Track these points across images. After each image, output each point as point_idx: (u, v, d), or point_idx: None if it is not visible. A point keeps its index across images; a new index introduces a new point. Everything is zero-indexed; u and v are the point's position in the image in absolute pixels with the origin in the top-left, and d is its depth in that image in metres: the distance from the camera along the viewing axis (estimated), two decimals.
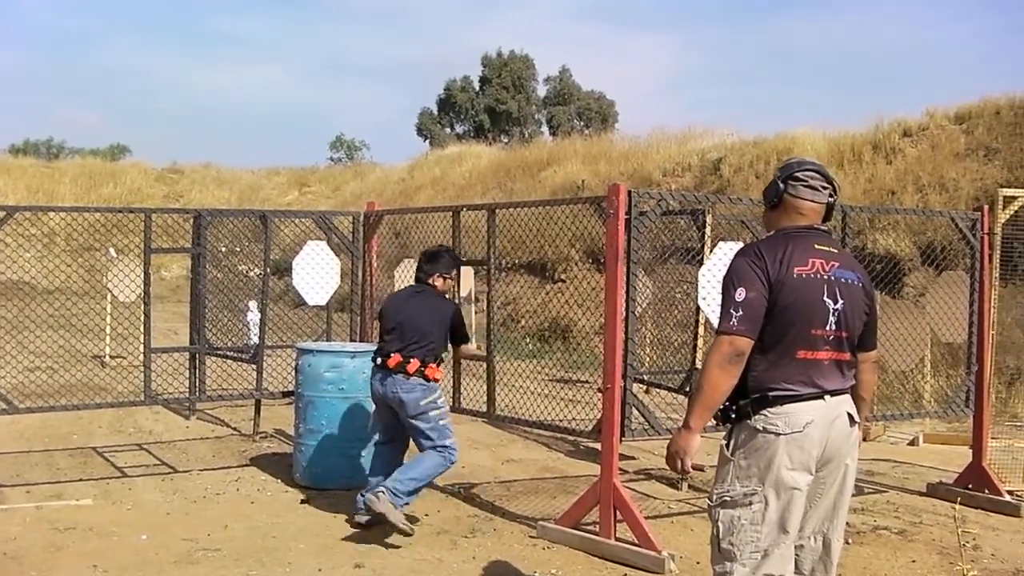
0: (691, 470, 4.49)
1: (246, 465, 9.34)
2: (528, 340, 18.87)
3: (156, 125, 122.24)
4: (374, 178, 36.84)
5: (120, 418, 11.62)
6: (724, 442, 4.32)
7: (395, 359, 7.12)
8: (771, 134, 22.61)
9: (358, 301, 9.98)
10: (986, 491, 8.45)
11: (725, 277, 4.28)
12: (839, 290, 4.25)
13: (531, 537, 7.17)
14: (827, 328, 4.21)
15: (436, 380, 7.20)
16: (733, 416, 4.26)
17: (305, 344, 9.05)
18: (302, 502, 8.09)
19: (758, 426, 4.16)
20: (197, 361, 9.89)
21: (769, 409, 4.16)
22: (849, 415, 4.28)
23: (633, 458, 10.09)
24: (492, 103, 59.10)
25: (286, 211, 12.15)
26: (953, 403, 8.73)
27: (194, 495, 8.23)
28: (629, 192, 6.80)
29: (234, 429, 11.13)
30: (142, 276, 9.68)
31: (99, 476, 8.84)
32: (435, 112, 61.87)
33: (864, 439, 11.08)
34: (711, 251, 8.51)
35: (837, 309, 4.23)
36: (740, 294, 4.14)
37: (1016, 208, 8.71)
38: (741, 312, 4.12)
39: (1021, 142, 17.60)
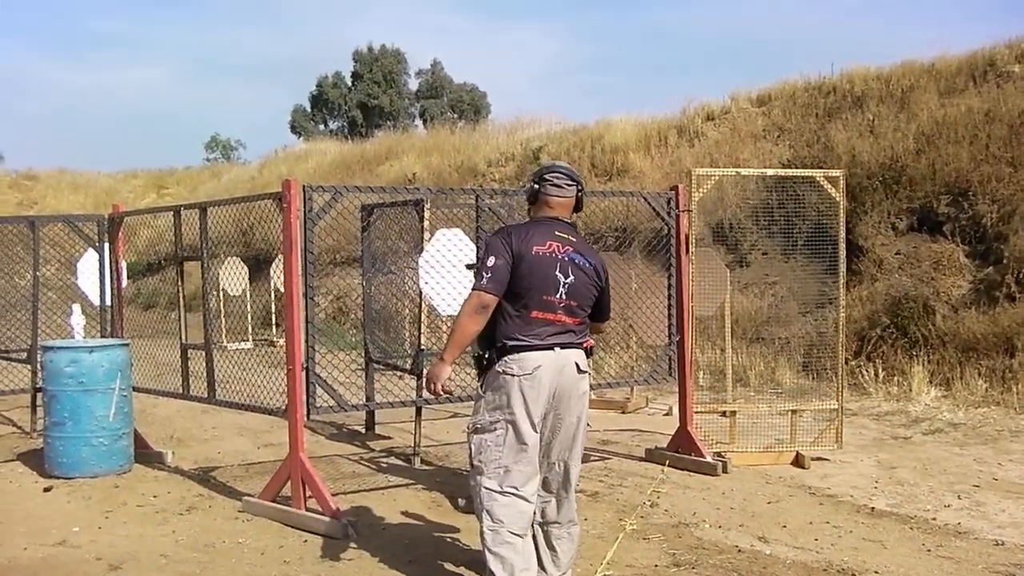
0: (443, 393, 5.39)
1: (11, 460, 9.60)
2: (354, 331, 19.29)
3: (28, 130, 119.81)
4: (228, 178, 36.93)
5: None
6: (479, 384, 5.46)
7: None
8: (591, 122, 23.37)
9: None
10: (691, 454, 9.08)
11: (482, 250, 5.56)
12: (570, 269, 5.38)
13: (239, 512, 7.64)
14: (557, 296, 5.35)
15: None
16: (484, 364, 5.36)
17: (48, 342, 9.41)
18: (45, 490, 8.42)
19: (499, 369, 5.27)
20: None
21: (508, 356, 5.27)
22: (577, 364, 5.41)
23: (388, 437, 10.64)
24: (364, 98, 59.31)
25: (43, 216, 12.44)
26: (656, 371, 9.34)
27: None
28: (304, 187, 7.31)
29: (18, 427, 11.41)
30: None
31: None
32: (308, 109, 61.85)
33: (623, 412, 11.82)
34: (430, 239, 9.05)
35: (567, 283, 5.36)
36: (491, 261, 5.23)
37: (710, 186, 9.32)
38: (490, 275, 5.22)
39: (811, 122, 18.47)
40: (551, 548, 5.57)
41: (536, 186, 5.58)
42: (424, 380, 5.61)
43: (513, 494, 5.25)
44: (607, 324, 5.88)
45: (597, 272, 5.51)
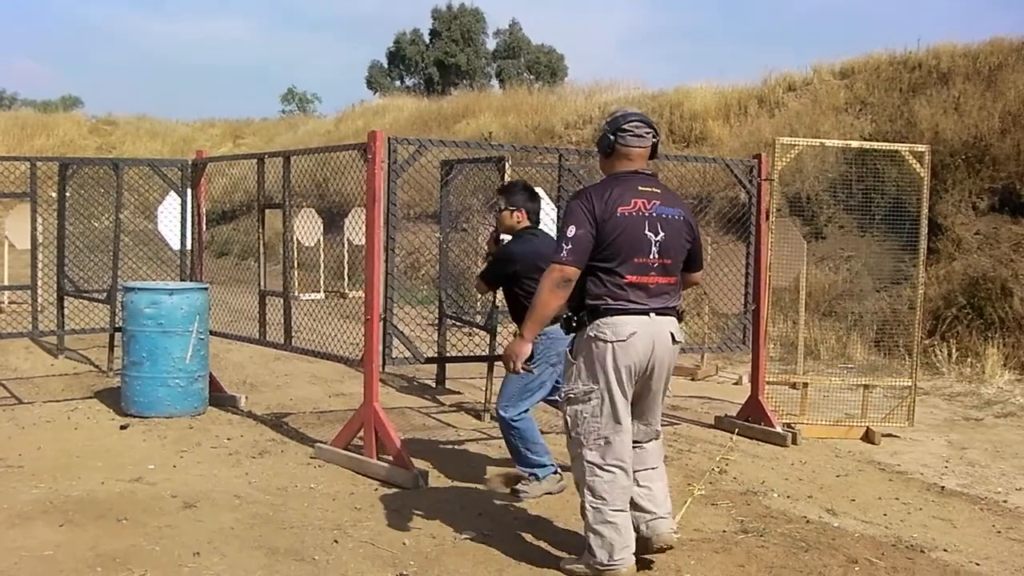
0: (521, 371, 5.33)
1: (89, 397, 9.80)
2: (425, 287, 19.40)
3: (110, 77, 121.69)
4: (304, 130, 37.13)
5: None
6: (568, 349, 5.31)
7: None
8: (671, 88, 23.25)
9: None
10: (761, 423, 9.05)
11: (561, 217, 5.23)
12: (660, 224, 5.13)
13: (311, 458, 7.75)
14: (651, 257, 5.11)
15: None
16: (574, 326, 5.19)
17: (129, 283, 9.56)
18: (121, 428, 8.60)
19: (591, 334, 5.09)
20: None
21: (600, 320, 5.07)
22: (672, 334, 5.21)
23: (458, 392, 10.71)
24: (441, 56, 59.23)
25: (127, 159, 12.61)
26: (730, 339, 9.31)
27: (26, 423, 8.70)
28: (388, 139, 7.34)
29: (95, 366, 11.62)
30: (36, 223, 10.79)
31: None
32: (385, 65, 61.93)
33: (692, 379, 11.78)
34: None
35: (658, 240, 5.13)
36: (571, 231, 5.01)
37: (793, 155, 9.23)
38: (571, 246, 5.00)
39: (895, 97, 18.21)
40: (643, 487, 5.38)
41: (612, 137, 5.25)
42: (503, 357, 5.37)
43: (616, 467, 5.13)
44: (700, 275, 5.67)
45: (687, 222, 5.30)
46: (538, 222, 7.12)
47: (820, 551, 5.98)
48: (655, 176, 5.32)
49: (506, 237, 7.21)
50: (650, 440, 5.45)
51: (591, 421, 5.13)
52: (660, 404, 5.43)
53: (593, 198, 5.10)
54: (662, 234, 5.13)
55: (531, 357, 6.50)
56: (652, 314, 5.11)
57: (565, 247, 5.01)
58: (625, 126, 5.23)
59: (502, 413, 6.81)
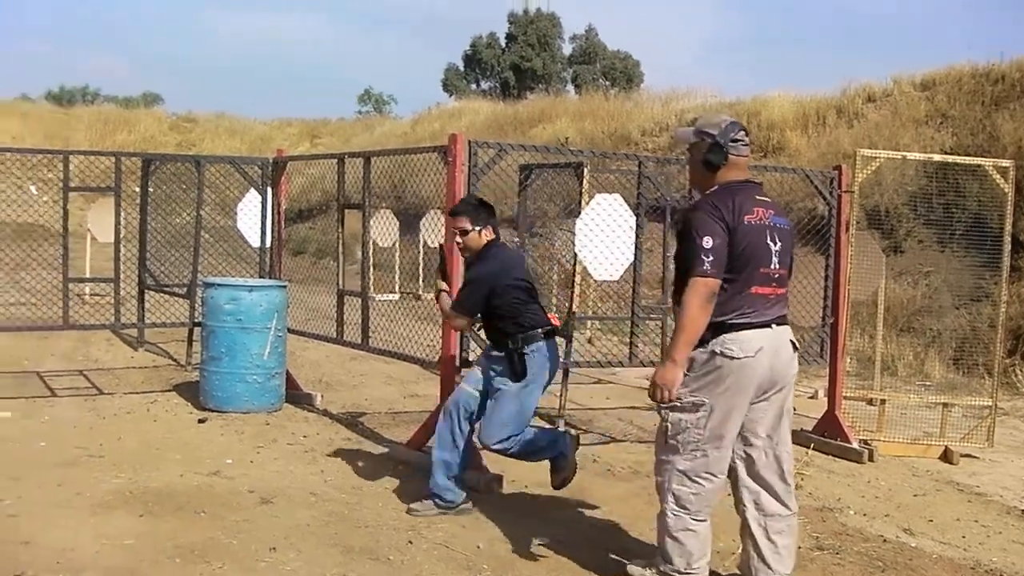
0: (672, 401, 4.94)
1: (167, 390, 9.97)
2: None
3: (189, 74, 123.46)
4: (381, 131, 37.34)
5: (76, 348, 12.35)
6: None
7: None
8: (748, 97, 23.10)
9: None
10: (838, 439, 8.96)
11: (686, 228, 4.95)
12: (776, 235, 5.04)
13: (386, 458, 7.81)
14: (772, 267, 5.02)
15: None
16: None
17: (209, 279, 9.69)
18: (199, 421, 8.74)
19: (716, 349, 4.91)
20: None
21: (726, 335, 4.91)
22: (792, 342, 5.14)
23: None
24: (517, 60, 59.16)
25: (209, 156, 12.81)
26: (807, 352, 9.20)
27: (106, 413, 8.87)
28: (469, 143, 7.38)
29: (174, 360, 11.78)
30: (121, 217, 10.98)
31: (30, 395, 9.49)
32: (461, 68, 62.08)
33: None
34: (588, 203, 9.06)
35: (777, 250, 5.03)
36: (707, 242, 4.81)
37: (874, 168, 9.13)
38: (712, 258, 4.81)
39: (977, 110, 17.93)
40: (772, 542, 5.19)
41: (725, 148, 5.09)
42: (652, 387, 5.00)
43: (707, 480, 5.02)
44: (789, 283, 5.41)
45: (792, 233, 5.22)
46: (499, 235, 6.73)
47: (897, 571, 5.94)
48: (762, 186, 5.25)
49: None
50: (782, 480, 5.22)
51: (693, 431, 4.98)
52: (783, 425, 5.20)
53: (719, 206, 4.94)
54: (779, 244, 5.05)
55: (521, 373, 6.32)
56: (773, 325, 5.03)
57: (706, 259, 4.80)
58: (736, 136, 5.14)
59: (494, 446, 6.41)
